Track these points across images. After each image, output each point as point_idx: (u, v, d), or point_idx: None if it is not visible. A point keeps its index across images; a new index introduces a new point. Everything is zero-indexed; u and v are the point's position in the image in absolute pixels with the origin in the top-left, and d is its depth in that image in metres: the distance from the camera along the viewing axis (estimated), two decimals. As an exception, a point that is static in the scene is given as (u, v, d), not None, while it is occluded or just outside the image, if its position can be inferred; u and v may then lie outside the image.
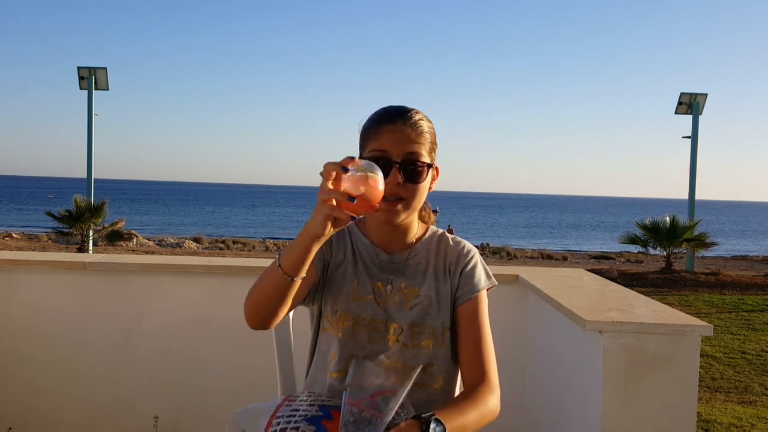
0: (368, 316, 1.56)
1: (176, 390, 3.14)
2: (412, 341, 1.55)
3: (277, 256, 1.39)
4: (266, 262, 3.28)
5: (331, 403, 1.53)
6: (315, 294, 1.60)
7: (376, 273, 1.60)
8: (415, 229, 1.63)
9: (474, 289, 1.59)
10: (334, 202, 1.24)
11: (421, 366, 1.50)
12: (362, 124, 1.56)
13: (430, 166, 1.52)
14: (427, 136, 1.52)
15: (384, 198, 1.44)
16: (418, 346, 1.55)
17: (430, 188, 1.57)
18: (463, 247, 1.64)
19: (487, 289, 1.63)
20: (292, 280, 1.34)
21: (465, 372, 1.55)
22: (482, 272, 1.63)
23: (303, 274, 1.34)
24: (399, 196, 1.49)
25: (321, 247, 1.48)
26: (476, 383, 1.51)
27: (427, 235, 1.65)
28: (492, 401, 1.49)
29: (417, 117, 1.52)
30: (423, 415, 1.34)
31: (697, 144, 16.27)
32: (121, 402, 3.14)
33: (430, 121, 1.56)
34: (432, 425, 1.31)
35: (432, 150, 1.54)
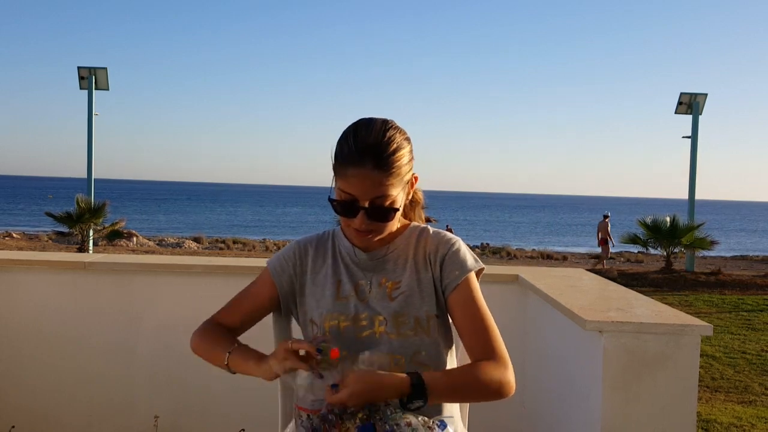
0: (351, 312, 1.57)
1: (176, 390, 3.14)
2: (397, 331, 1.54)
3: (228, 352, 1.58)
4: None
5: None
6: (289, 306, 1.68)
7: (356, 272, 1.61)
8: (392, 229, 1.60)
9: (461, 274, 1.57)
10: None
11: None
12: (336, 142, 1.51)
13: (397, 210, 1.50)
14: (401, 168, 1.47)
15: (355, 229, 1.51)
16: (404, 336, 1.55)
17: (408, 196, 1.56)
18: (444, 235, 1.63)
19: (477, 274, 1.60)
20: (231, 372, 1.59)
21: (474, 358, 1.54)
22: (467, 255, 1.60)
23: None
24: (369, 230, 1.51)
25: (289, 267, 1.65)
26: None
27: (407, 230, 1.64)
28: (503, 374, 1.52)
29: (389, 150, 1.44)
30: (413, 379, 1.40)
31: (697, 144, 16.28)
32: (121, 401, 3.14)
33: (405, 142, 1.50)
34: (414, 400, 1.38)
35: (408, 173, 1.51)
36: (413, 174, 1.55)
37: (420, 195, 1.70)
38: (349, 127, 1.50)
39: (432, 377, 1.41)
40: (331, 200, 1.51)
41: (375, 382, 1.36)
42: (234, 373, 1.58)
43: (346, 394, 1.34)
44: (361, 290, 1.59)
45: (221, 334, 1.65)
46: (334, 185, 1.52)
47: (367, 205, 1.46)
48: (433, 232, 1.64)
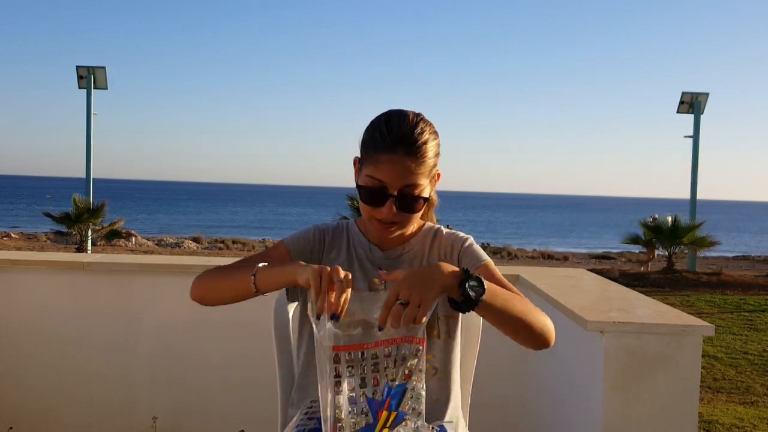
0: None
1: (176, 390, 3.13)
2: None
3: (257, 266, 1.43)
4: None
5: None
6: (301, 291, 1.62)
7: (370, 270, 1.60)
8: (413, 226, 1.62)
9: (478, 262, 1.57)
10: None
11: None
12: (365, 131, 1.53)
13: (426, 199, 1.51)
14: (430, 160, 1.48)
15: (379, 221, 1.49)
16: None
17: (432, 190, 1.57)
18: (457, 234, 1.65)
19: None
20: (257, 293, 1.43)
21: None
22: (480, 250, 1.62)
23: (270, 292, 1.44)
24: (393, 221, 1.50)
25: (307, 248, 1.59)
26: None
27: (422, 231, 1.65)
28: (550, 322, 1.48)
29: (421, 140, 1.46)
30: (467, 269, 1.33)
31: (699, 143, 16.26)
32: (121, 402, 3.13)
33: (435, 135, 1.51)
34: (471, 282, 1.31)
35: (434, 166, 1.52)
36: (437, 170, 1.55)
37: (435, 196, 1.70)
38: (380, 115, 1.52)
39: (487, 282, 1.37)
40: (359, 187, 1.50)
41: (427, 268, 1.31)
42: (258, 292, 1.42)
43: (400, 275, 1.28)
44: (375, 289, 1.58)
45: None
46: (359, 175, 1.52)
47: (396, 193, 1.46)
48: (446, 232, 1.65)
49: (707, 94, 16.14)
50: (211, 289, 1.51)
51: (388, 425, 1.33)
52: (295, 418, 1.58)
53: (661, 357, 2.12)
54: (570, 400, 2.53)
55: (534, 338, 1.43)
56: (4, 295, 3.11)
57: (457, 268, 1.32)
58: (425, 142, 1.47)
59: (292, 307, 1.86)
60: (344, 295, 1.27)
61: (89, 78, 15.26)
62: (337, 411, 1.29)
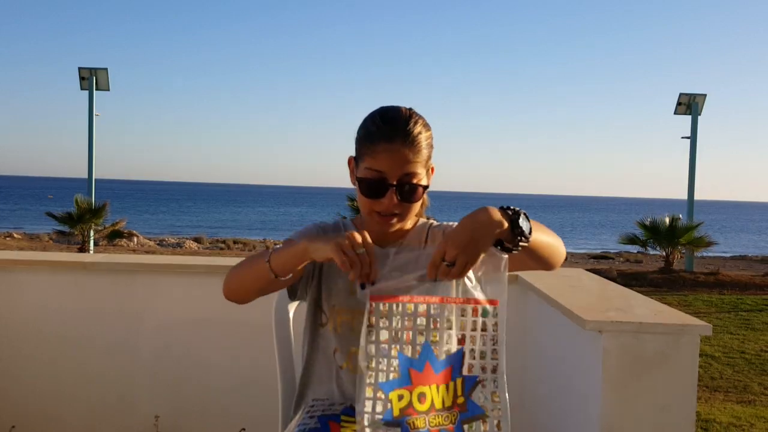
0: (364, 308, 1.57)
1: (177, 390, 3.14)
2: None
3: (269, 251, 1.45)
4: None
5: (330, 412, 1.54)
6: (306, 287, 1.64)
7: None
8: (410, 221, 1.64)
9: None
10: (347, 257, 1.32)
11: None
12: (360, 127, 1.55)
13: (425, 187, 1.54)
14: (425, 150, 1.52)
15: (379, 213, 1.51)
16: None
17: (427, 184, 1.58)
18: (447, 223, 1.66)
19: None
20: (277, 278, 1.44)
21: None
22: None
23: (289, 276, 1.45)
24: (394, 213, 1.52)
25: None
26: None
27: (417, 226, 1.67)
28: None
29: (416, 131, 1.50)
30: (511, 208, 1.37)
31: (696, 144, 16.28)
32: (122, 401, 3.14)
33: (427, 127, 1.55)
34: (521, 220, 1.35)
35: (429, 158, 1.55)
36: (431, 164, 1.57)
37: (426, 197, 1.71)
38: (374, 111, 1.56)
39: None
40: (359, 180, 1.52)
41: (474, 221, 1.33)
42: (277, 276, 1.43)
43: (445, 241, 1.31)
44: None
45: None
46: (357, 170, 1.54)
47: (395, 182, 1.48)
48: (437, 224, 1.67)
49: (704, 96, 16.16)
50: (237, 283, 1.53)
51: (459, 392, 1.34)
52: (296, 418, 1.59)
53: (659, 356, 2.13)
54: (568, 399, 2.54)
55: (555, 255, 1.50)
56: (6, 295, 3.12)
57: (497, 210, 1.35)
58: (419, 132, 1.51)
59: (293, 307, 1.87)
60: (369, 265, 1.33)
61: (91, 79, 15.17)
62: (369, 360, 1.31)
